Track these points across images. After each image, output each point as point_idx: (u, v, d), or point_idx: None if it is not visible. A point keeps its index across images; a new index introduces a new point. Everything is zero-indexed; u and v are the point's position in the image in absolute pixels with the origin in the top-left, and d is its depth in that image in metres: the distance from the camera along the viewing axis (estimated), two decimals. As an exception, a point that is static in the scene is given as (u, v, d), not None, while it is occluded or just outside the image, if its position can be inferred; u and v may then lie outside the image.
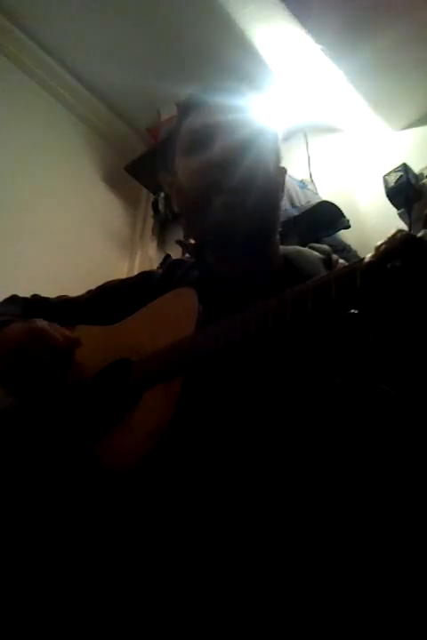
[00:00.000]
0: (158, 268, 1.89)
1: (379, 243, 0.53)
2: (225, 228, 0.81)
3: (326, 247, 0.94)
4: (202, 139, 0.84)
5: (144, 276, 0.99)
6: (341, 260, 0.88)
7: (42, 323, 0.81)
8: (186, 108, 0.91)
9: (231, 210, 0.79)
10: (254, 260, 0.82)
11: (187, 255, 1.09)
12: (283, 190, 0.94)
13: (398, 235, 0.52)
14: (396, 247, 0.51)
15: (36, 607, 0.60)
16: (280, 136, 0.94)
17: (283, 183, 0.94)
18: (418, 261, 0.50)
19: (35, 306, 0.98)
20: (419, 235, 0.51)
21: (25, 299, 1.00)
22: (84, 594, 0.59)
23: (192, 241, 0.96)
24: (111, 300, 0.95)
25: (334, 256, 0.88)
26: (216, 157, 0.81)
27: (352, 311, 0.60)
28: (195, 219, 0.87)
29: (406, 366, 0.60)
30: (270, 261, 0.84)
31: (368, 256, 0.53)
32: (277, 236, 0.89)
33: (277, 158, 0.91)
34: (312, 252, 0.89)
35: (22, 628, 0.59)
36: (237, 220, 0.80)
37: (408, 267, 0.50)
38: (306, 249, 0.92)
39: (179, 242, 1.05)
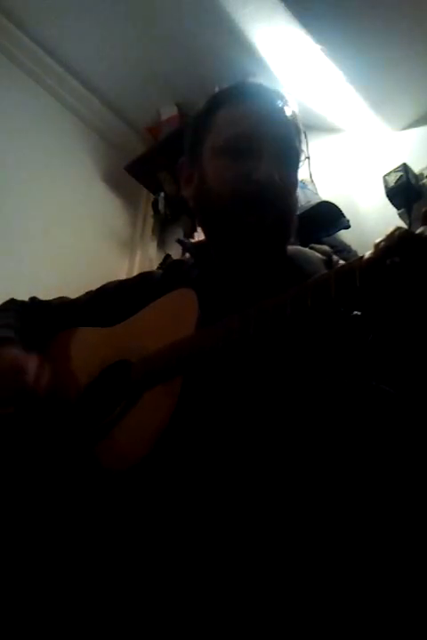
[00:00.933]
0: (158, 267, 1.89)
1: (378, 240, 0.53)
2: (252, 242, 0.78)
3: (326, 248, 0.93)
4: (245, 147, 0.79)
5: (144, 276, 0.99)
6: (341, 261, 0.87)
7: (30, 364, 0.78)
8: (224, 98, 0.85)
9: (262, 226, 0.78)
10: (260, 262, 0.81)
11: (187, 255, 1.09)
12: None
13: (397, 232, 0.52)
14: (394, 244, 0.51)
15: (37, 606, 0.60)
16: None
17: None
18: (417, 257, 0.50)
19: (33, 310, 0.97)
20: (418, 231, 0.51)
21: (23, 303, 0.99)
22: (84, 592, 0.59)
23: (192, 240, 0.96)
24: (111, 302, 0.94)
25: (335, 257, 0.88)
26: (261, 176, 0.77)
27: (353, 312, 0.60)
28: (219, 223, 0.82)
29: (405, 365, 0.60)
30: (273, 263, 0.83)
31: (367, 253, 0.53)
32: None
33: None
34: (313, 253, 0.89)
35: (22, 628, 0.59)
36: (264, 236, 0.78)
37: (407, 263, 0.50)
38: (307, 249, 0.91)
39: (179, 241, 1.05)
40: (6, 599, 0.61)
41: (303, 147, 0.90)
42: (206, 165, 0.84)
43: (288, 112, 0.85)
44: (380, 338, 0.60)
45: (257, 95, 0.84)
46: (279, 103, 0.84)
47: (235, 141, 0.80)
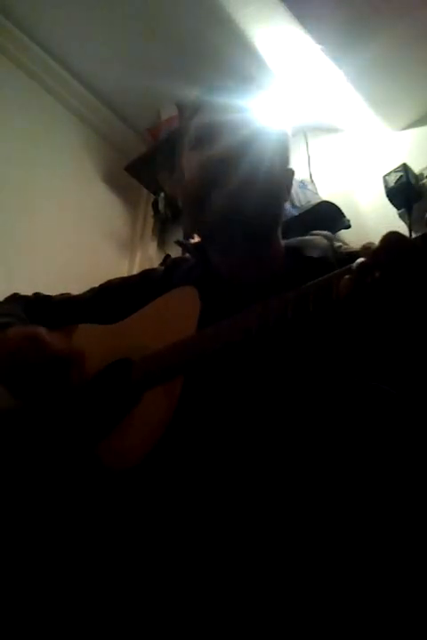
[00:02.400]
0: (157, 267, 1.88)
1: (355, 263, 0.53)
2: (224, 224, 0.80)
3: (326, 232, 0.93)
4: (206, 135, 0.85)
5: (146, 274, 0.99)
6: (338, 243, 0.88)
7: (41, 330, 0.80)
8: (194, 107, 0.92)
9: (229, 204, 0.79)
10: (255, 259, 0.82)
11: (187, 255, 1.09)
12: (289, 192, 0.93)
13: (371, 247, 0.52)
14: (371, 260, 0.51)
15: (38, 605, 0.60)
16: (289, 137, 0.93)
17: (290, 185, 0.93)
18: (398, 267, 0.50)
19: (37, 305, 0.98)
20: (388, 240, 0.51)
21: (27, 297, 1.00)
22: (85, 591, 0.59)
23: (192, 240, 0.96)
24: (113, 299, 0.95)
25: (336, 243, 0.88)
26: (218, 153, 0.81)
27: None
28: (195, 213, 0.86)
29: (406, 366, 0.60)
30: (272, 261, 0.84)
31: (346, 277, 0.53)
32: (279, 237, 0.89)
33: (284, 159, 0.90)
34: (318, 238, 0.89)
35: (23, 626, 0.59)
36: (236, 216, 0.79)
37: (388, 276, 0.50)
38: (309, 237, 0.91)
39: (179, 242, 1.05)
40: (7, 597, 0.61)
41: (286, 135, 0.92)
42: (184, 167, 0.90)
43: (256, 101, 0.89)
44: (379, 341, 0.60)
45: (220, 93, 0.90)
46: (242, 94, 0.89)
47: (197, 134, 0.87)
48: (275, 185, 0.86)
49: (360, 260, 0.53)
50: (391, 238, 0.51)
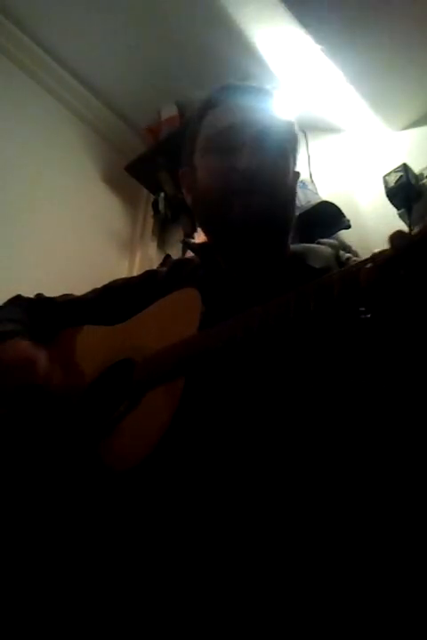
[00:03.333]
0: (159, 267, 1.88)
1: (377, 251, 0.51)
2: (244, 232, 0.79)
3: (333, 241, 0.93)
4: (228, 141, 0.82)
5: (149, 275, 0.99)
6: (347, 255, 0.87)
7: (40, 357, 0.79)
8: (205, 106, 0.89)
9: (252, 214, 0.78)
10: (262, 261, 0.82)
11: (187, 254, 1.09)
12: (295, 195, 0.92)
13: (400, 241, 0.49)
14: (400, 256, 0.49)
15: (38, 604, 0.60)
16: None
17: (295, 187, 0.93)
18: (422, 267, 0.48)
19: (40, 306, 0.98)
20: (418, 236, 0.49)
21: (29, 299, 1.00)
22: (85, 591, 0.59)
23: (197, 241, 0.96)
24: (116, 300, 0.95)
25: (342, 252, 0.88)
26: (243, 165, 0.79)
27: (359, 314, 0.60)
28: (211, 218, 0.85)
29: (408, 364, 0.60)
30: (276, 262, 0.83)
31: (368, 264, 0.51)
32: (289, 241, 0.89)
33: (295, 163, 0.90)
34: (322, 248, 0.89)
35: (23, 627, 0.59)
36: (255, 225, 0.79)
37: (413, 274, 0.48)
38: (315, 245, 0.91)
39: (184, 242, 1.06)
40: (7, 597, 0.61)
41: (296, 138, 0.91)
42: (197, 168, 0.88)
43: (272, 104, 0.88)
44: (386, 339, 0.59)
45: (236, 93, 0.88)
46: (259, 96, 0.88)
47: (217, 138, 0.84)
48: (290, 192, 0.86)
49: (384, 251, 0.50)
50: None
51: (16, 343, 0.81)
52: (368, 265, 0.51)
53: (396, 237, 0.49)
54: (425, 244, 0.47)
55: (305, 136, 2.03)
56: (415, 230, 0.49)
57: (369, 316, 0.57)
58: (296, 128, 0.91)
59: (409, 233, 0.50)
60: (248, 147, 0.80)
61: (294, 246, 0.89)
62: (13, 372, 0.77)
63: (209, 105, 0.89)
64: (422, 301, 0.49)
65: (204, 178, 0.85)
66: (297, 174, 0.92)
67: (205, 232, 0.91)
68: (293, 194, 0.88)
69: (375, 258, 0.51)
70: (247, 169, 0.79)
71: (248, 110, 0.85)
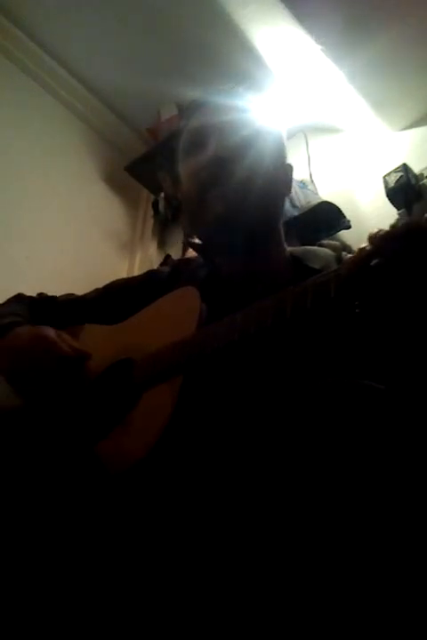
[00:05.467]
0: (160, 267, 1.88)
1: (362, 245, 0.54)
2: (221, 226, 0.80)
3: (337, 243, 0.94)
4: (199, 139, 0.85)
5: (151, 274, 1.00)
6: (349, 256, 0.87)
7: (50, 332, 0.81)
8: (188, 112, 0.93)
9: (225, 206, 0.79)
10: (256, 259, 0.82)
11: (187, 254, 1.09)
12: (289, 188, 0.93)
13: (378, 233, 0.53)
14: (376, 246, 0.52)
15: (38, 604, 0.60)
16: (284, 135, 0.93)
17: (289, 181, 0.93)
18: (400, 254, 0.50)
19: (41, 305, 0.98)
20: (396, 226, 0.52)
21: (31, 298, 1.00)
22: (84, 592, 0.59)
23: (198, 241, 0.96)
24: (118, 299, 0.95)
25: (344, 254, 0.88)
26: (211, 155, 0.81)
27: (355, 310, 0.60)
28: (195, 218, 0.87)
29: (399, 360, 0.60)
30: (273, 261, 0.84)
31: (346, 262, 0.55)
32: (282, 236, 0.89)
33: (280, 156, 0.90)
34: (323, 250, 0.89)
35: (23, 628, 0.59)
36: (234, 215, 0.79)
37: (390, 262, 0.51)
38: (316, 247, 0.91)
39: (188, 243, 1.07)
40: (6, 597, 0.61)
41: (272, 129, 0.91)
42: (181, 176, 0.91)
43: (238, 104, 0.89)
44: (377, 334, 0.60)
45: (205, 102, 0.91)
46: (226, 99, 0.90)
47: (188, 139, 0.88)
48: (271, 182, 0.85)
49: (364, 246, 0.54)
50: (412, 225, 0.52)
51: (19, 329, 0.82)
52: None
53: (373, 236, 0.53)
54: (395, 235, 0.51)
55: (305, 136, 2.03)
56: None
57: (358, 311, 0.58)
58: (285, 124, 0.94)
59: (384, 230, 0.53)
60: (213, 139, 0.83)
61: (292, 248, 0.89)
62: (32, 354, 0.78)
63: (189, 112, 0.93)
64: (399, 290, 0.52)
65: (184, 183, 0.89)
66: (288, 167, 0.92)
67: (196, 236, 0.93)
68: (275, 182, 0.87)
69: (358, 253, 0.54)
70: (213, 158, 0.81)
71: (212, 113, 0.87)
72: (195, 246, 1.01)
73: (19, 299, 0.99)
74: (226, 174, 0.80)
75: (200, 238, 0.92)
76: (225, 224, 0.80)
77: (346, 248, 1.67)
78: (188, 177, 0.87)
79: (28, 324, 0.87)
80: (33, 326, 0.83)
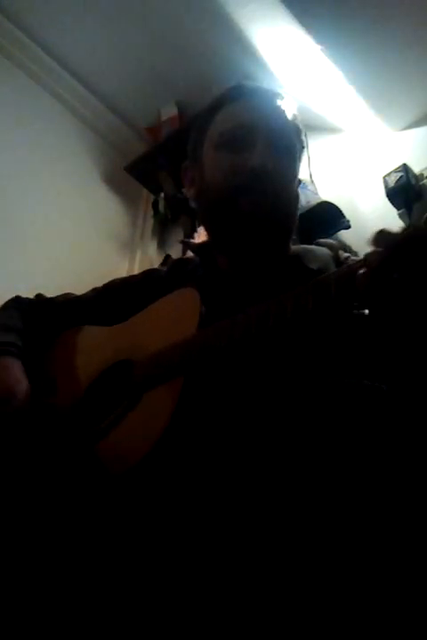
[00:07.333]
0: (159, 266, 1.88)
1: (372, 250, 0.50)
2: (248, 231, 0.79)
3: (332, 242, 0.93)
4: (241, 138, 0.82)
5: (149, 274, 0.99)
6: (346, 255, 0.87)
7: (20, 389, 0.78)
8: (223, 100, 0.89)
9: (257, 213, 0.78)
10: (264, 263, 0.81)
11: (188, 254, 1.09)
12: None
13: (392, 240, 0.49)
14: (394, 258, 0.48)
15: (38, 605, 0.60)
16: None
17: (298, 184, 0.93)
18: (418, 268, 0.47)
19: (39, 307, 0.98)
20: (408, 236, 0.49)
21: (29, 300, 0.99)
22: (84, 592, 0.59)
23: (197, 241, 0.96)
24: (116, 299, 0.95)
25: (340, 252, 0.87)
26: (255, 163, 0.79)
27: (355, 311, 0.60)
28: (216, 213, 0.84)
29: (400, 360, 0.60)
30: (276, 262, 0.83)
31: (361, 270, 0.50)
32: (291, 242, 0.89)
33: (299, 169, 0.90)
34: (320, 249, 0.89)
35: (23, 628, 0.59)
36: (260, 225, 0.78)
37: (408, 277, 0.48)
38: (313, 246, 0.91)
39: (184, 242, 1.06)
40: (6, 598, 0.61)
41: (303, 144, 0.92)
42: (205, 162, 0.87)
43: (285, 108, 0.88)
44: (381, 335, 0.59)
45: (253, 93, 0.88)
46: (275, 99, 0.88)
47: (230, 134, 0.83)
48: (296, 196, 0.87)
49: (375, 251, 0.50)
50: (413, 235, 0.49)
51: (5, 370, 0.80)
52: (363, 270, 0.51)
53: (381, 238, 0.50)
54: (413, 243, 0.48)
55: (305, 136, 2.03)
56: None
57: (366, 311, 0.57)
58: (303, 135, 0.92)
59: (392, 231, 0.50)
60: (261, 145, 0.80)
61: (293, 247, 0.89)
62: None
63: (223, 101, 0.88)
64: (417, 300, 0.49)
65: (212, 172, 0.85)
66: (299, 180, 0.92)
67: (207, 227, 0.91)
68: (297, 197, 0.88)
69: (368, 259, 0.51)
70: (259, 167, 0.78)
71: (263, 111, 0.85)
72: (192, 246, 1.01)
73: (16, 302, 0.98)
74: (264, 187, 0.78)
75: (211, 230, 0.89)
76: (252, 229, 0.79)
77: (346, 247, 1.67)
78: (220, 170, 0.83)
79: (21, 340, 0.86)
80: (11, 375, 0.80)
